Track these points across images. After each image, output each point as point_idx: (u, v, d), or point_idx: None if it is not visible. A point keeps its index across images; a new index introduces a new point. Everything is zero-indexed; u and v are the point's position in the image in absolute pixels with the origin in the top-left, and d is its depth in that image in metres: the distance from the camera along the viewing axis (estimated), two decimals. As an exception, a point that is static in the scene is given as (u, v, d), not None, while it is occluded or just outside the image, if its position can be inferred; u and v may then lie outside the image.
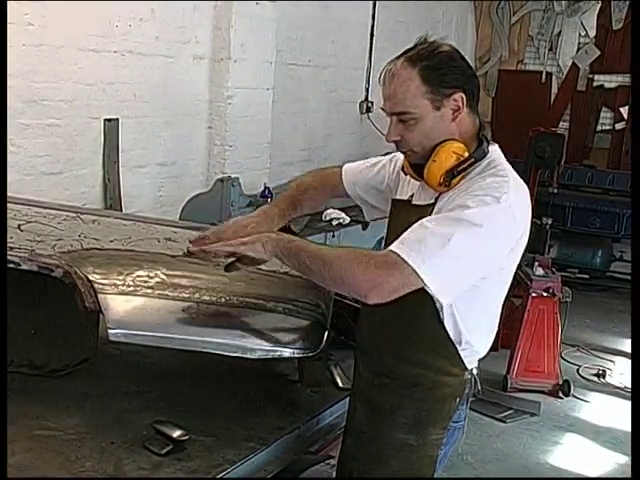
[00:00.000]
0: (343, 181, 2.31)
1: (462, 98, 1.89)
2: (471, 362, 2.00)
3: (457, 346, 1.95)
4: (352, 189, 2.30)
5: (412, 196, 2.05)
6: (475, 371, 2.03)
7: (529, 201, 1.92)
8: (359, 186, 2.29)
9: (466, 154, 1.89)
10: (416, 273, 1.74)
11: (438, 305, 1.89)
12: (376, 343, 2.06)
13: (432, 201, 1.93)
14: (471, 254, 1.78)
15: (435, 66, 1.87)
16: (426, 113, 1.88)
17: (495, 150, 1.96)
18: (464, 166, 1.88)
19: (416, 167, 1.97)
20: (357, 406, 2.10)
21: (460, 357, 1.96)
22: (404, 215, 1.99)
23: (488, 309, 2.00)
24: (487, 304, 1.99)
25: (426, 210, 1.91)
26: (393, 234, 1.94)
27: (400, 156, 2.12)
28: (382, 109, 1.97)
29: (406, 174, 2.05)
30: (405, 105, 1.88)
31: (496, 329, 2.04)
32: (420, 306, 1.90)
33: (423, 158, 1.92)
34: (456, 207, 1.81)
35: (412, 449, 2.01)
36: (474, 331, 1.96)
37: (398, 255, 1.75)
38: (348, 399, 2.18)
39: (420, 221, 1.82)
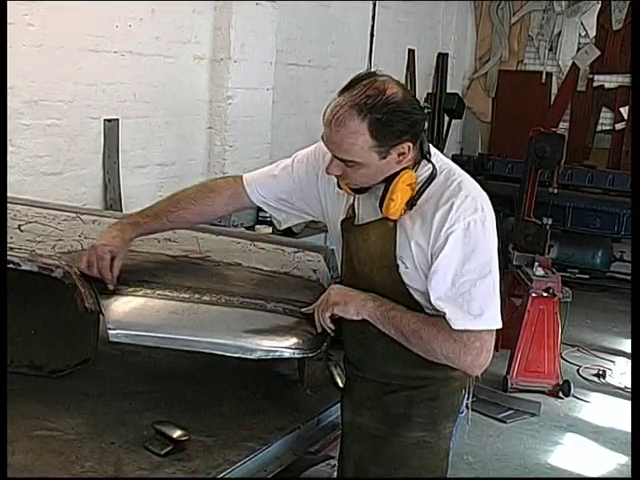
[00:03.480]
0: (246, 190, 2.21)
1: (409, 147, 1.88)
2: None
3: None
4: (258, 198, 2.22)
5: (352, 208, 2.04)
6: None
7: (476, 183, 1.97)
8: (268, 194, 2.22)
9: (415, 176, 1.91)
10: (492, 329, 1.90)
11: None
12: (378, 354, 2.04)
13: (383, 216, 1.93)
14: (495, 271, 1.89)
15: (385, 120, 1.82)
16: (371, 162, 1.88)
17: (435, 154, 1.97)
18: (420, 192, 1.91)
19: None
20: (364, 412, 2.08)
21: None
22: (360, 236, 2.00)
23: None
24: None
25: (385, 227, 1.93)
26: (355, 257, 2.02)
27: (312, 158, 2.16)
28: (322, 139, 1.94)
29: (342, 189, 2.02)
30: (350, 155, 1.87)
31: None
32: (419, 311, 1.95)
33: (365, 188, 1.96)
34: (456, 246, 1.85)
35: (429, 445, 2.04)
36: None
37: (480, 330, 1.87)
38: (345, 405, 2.15)
39: (442, 286, 1.86)
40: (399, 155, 1.89)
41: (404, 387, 2.01)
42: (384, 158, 1.88)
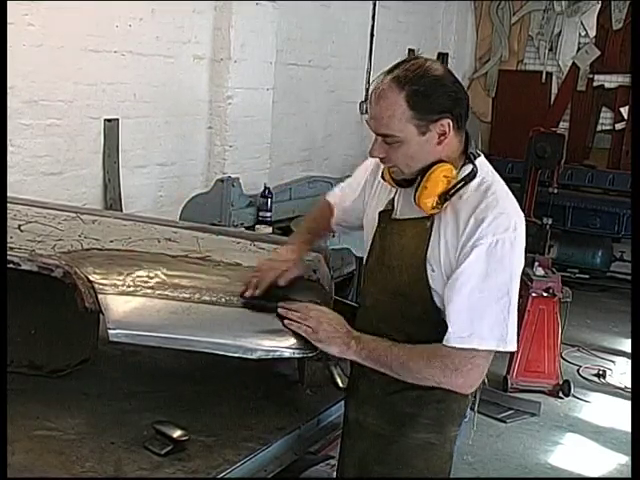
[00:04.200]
0: (334, 213, 2.36)
1: (449, 124, 1.88)
2: None
3: None
4: (339, 227, 2.41)
5: (391, 202, 2.05)
6: None
7: (517, 204, 1.95)
8: (347, 220, 2.35)
9: (454, 173, 1.90)
10: (493, 350, 1.88)
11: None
12: None
13: (422, 215, 1.93)
14: (514, 294, 1.87)
15: (423, 92, 1.84)
16: (411, 137, 1.88)
17: (481, 162, 1.97)
18: (455, 189, 1.90)
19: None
20: (369, 410, 2.08)
21: None
22: (396, 231, 2.01)
23: None
24: None
25: (422, 226, 1.93)
26: (387, 250, 2.02)
27: (372, 162, 2.16)
28: (367, 123, 1.95)
29: (385, 180, 2.05)
30: (390, 128, 1.88)
31: None
32: (428, 317, 1.95)
33: (408, 176, 1.95)
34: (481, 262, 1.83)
35: (434, 447, 2.03)
36: None
37: (473, 349, 1.85)
38: (349, 403, 2.16)
39: (458, 297, 1.85)
40: (439, 136, 1.89)
41: (411, 387, 1.99)
42: (423, 134, 1.87)
